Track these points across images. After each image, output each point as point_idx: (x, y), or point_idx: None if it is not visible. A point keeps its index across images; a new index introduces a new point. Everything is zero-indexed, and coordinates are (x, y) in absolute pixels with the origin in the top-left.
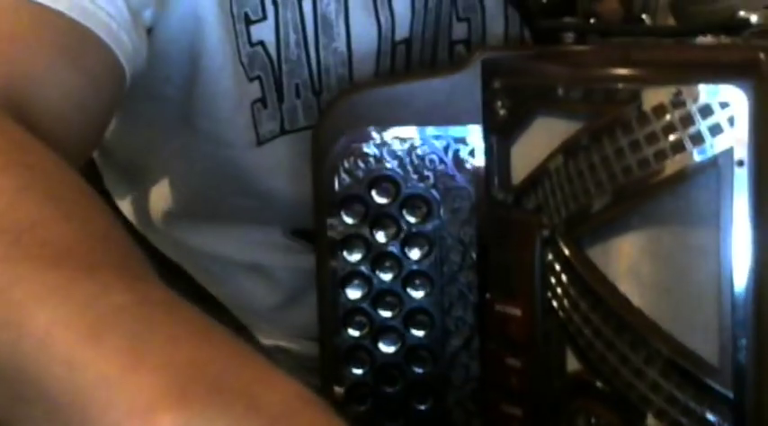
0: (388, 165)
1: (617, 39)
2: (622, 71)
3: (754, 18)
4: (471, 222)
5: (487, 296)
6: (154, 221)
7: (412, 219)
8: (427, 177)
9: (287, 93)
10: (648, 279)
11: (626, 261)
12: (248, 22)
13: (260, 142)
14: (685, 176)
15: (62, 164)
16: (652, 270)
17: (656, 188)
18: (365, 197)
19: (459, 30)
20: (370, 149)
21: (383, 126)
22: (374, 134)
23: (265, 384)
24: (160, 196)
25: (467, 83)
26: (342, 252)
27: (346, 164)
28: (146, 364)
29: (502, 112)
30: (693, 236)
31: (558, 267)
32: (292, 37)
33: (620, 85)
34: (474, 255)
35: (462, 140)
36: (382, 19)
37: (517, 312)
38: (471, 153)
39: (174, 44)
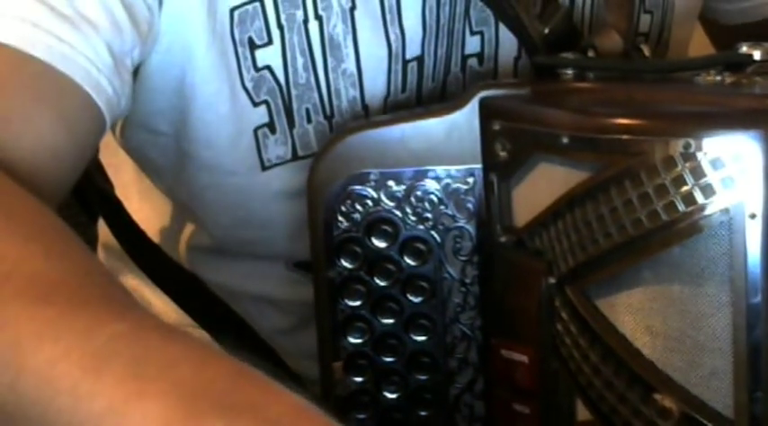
0: (387, 207)
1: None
2: (629, 121)
3: (757, 54)
4: (473, 262)
5: (493, 341)
6: (162, 242)
7: (412, 262)
8: (426, 218)
9: (297, 117)
10: (660, 331)
11: (636, 312)
12: (253, 46)
13: (264, 168)
14: (697, 229)
15: (40, 205)
16: (663, 322)
17: (666, 240)
18: (363, 241)
19: (473, 43)
20: (367, 192)
21: (380, 168)
22: (371, 176)
23: (268, 396)
24: (167, 219)
25: (464, 122)
26: (341, 297)
27: (343, 208)
28: (150, 389)
29: (502, 154)
30: (705, 288)
31: (565, 316)
32: (300, 60)
33: (628, 136)
34: (476, 296)
35: (462, 180)
36: (392, 37)
37: (524, 358)
38: (471, 192)
39: (163, 75)
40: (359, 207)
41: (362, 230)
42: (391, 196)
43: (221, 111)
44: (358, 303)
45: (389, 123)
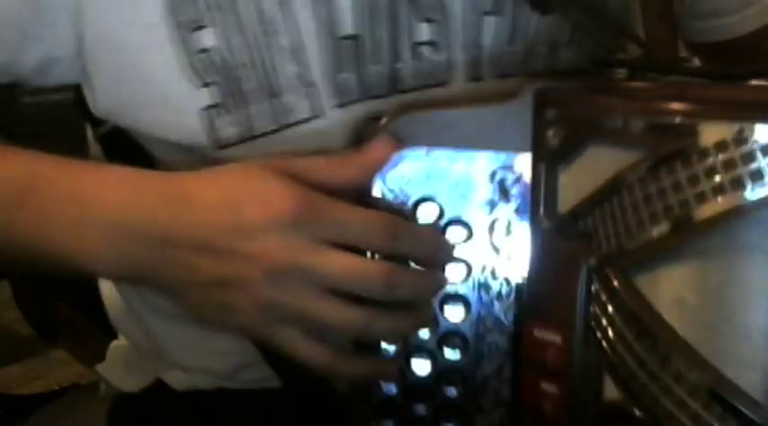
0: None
1: (669, 78)
2: (684, 106)
3: None
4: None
5: (526, 322)
6: None
7: (451, 242)
8: (470, 202)
9: (245, 98)
10: (696, 312)
11: (674, 292)
12: (193, 29)
13: (221, 146)
14: (741, 212)
15: None
16: (700, 304)
17: (710, 222)
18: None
19: (423, 31)
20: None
21: (431, 147)
22: (419, 155)
23: None
24: None
25: (517, 112)
26: None
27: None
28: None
29: (554, 142)
30: (744, 273)
31: (603, 296)
32: (237, 39)
33: (682, 119)
34: (512, 281)
35: (509, 168)
36: (323, 13)
37: (557, 339)
38: (517, 180)
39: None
40: (405, 184)
41: (409, 209)
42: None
43: (173, 91)
44: None
45: (444, 107)
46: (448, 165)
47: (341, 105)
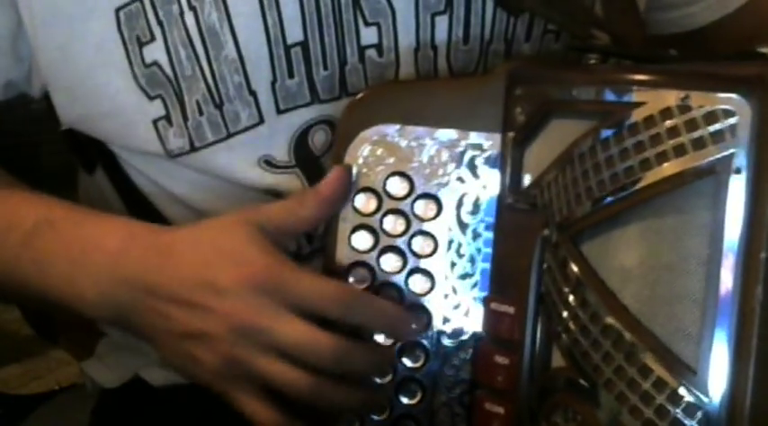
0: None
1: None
2: (633, 76)
3: None
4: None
5: (485, 298)
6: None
7: (421, 216)
8: (440, 179)
9: (189, 110)
10: (638, 278)
11: (618, 259)
12: (140, 44)
13: (171, 156)
14: (683, 179)
15: None
16: (643, 271)
17: (654, 188)
18: (379, 190)
19: (369, 34)
20: (389, 143)
21: (403, 123)
22: (394, 130)
23: None
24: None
25: (490, 92)
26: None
27: (365, 156)
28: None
29: (520, 118)
30: (685, 240)
31: (553, 264)
32: (182, 52)
33: (631, 87)
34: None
35: (479, 146)
36: (270, 22)
37: (510, 309)
38: (487, 159)
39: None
40: (378, 158)
41: (380, 182)
42: (409, 152)
43: (122, 107)
44: (368, 245)
45: (421, 82)
46: (420, 142)
47: (284, 111)
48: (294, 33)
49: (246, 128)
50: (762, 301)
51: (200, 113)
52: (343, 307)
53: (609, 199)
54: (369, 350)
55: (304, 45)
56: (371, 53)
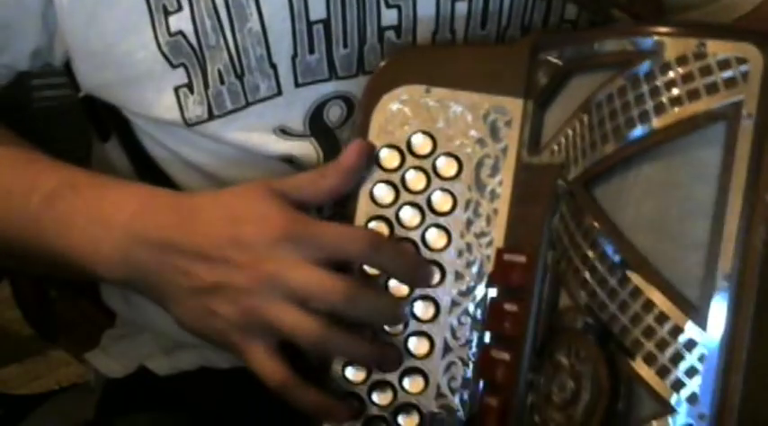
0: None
1: None
2: (651, 27)
3: None
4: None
5: (498, 249)
6: None
7: (442, 174)
8: (461, 141)
9: (211, 79)
10: (648, 222)
11: (629, 203)
12: (166, 12)
13: (189, 125)
14: (696, 123)
15: None
16: (652, 215)
17: (667, 132)
18: (402, 147)
19: (389, 16)
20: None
21: (430, 84)
22: (420, 92)
23: None
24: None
25: (515, 58)
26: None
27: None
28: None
29: (543, 81)
30: (695, 185)
31: (566, 211)
32: (208, 23)
33: (649, 37)
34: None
35: (501, 109)
36: None
37: (522, 259)
38: (508, 123)
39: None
40: (405, 116)
41: (404, 139)
42: (434, 112)
43: (147, 74)
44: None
45: (448, 47)
46: (445, 103)
47: (302, 85)
48: (317, 10)
49: (264, 99)
50: (764, 239)
51: (222, 82)
52: (369, 249)
53: (622, 144)
54: (381, 294)
55: (326, 22)
56: (390, 34)
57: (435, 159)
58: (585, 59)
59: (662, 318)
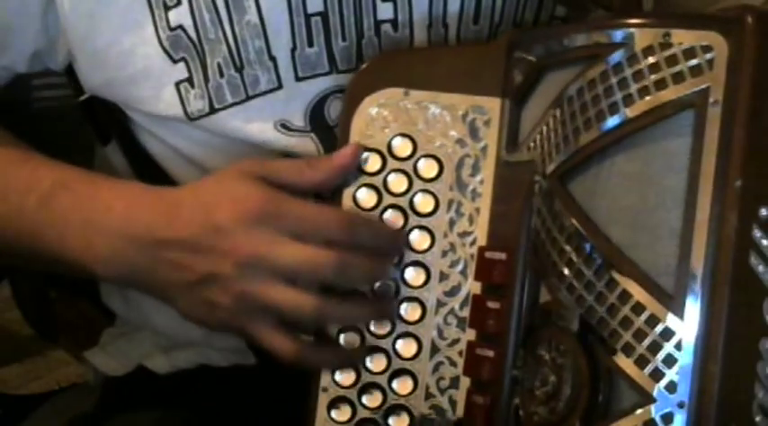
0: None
1: None
2: (620, 19)
3: None
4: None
5: (479, 248)
6: None
7: (423, 176)
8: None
9: (211, 72)
10: (621, 213)
11: (603, 195)
12: (166, 7)
13: (191, 119)
14: (664, 112)
15: None
16: (625, 205)
17: (636, 122)
18: (383, 151)
19: (385, 10)
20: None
21: (409, 87)
22: (399, 95)
23: None
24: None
25: (492, 58)
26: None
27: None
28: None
29: (518, 79)
30: (666, 175)
31: (543, 206)
32: (207, 16)
33: (618, 29)
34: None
35: (480, 109)
36: None
37: (503, 256)
38: (486, 123)
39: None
40: (384, 120)
41: (385, 142)
42: (414, 115)
43: (149, 70)
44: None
45: (425, 49)
46: (424, 105)
47: (303, 78)
48: (315, 3)
49: (264, 92)
50: (737, 227)
51: (221, 75)
52: (347, 228)
53: (594, 136)
54: (368, 259)
55: (324, 15)
56: (387, 27)
57: (416, 161)
58: (558, 55)
59: (638, 309)
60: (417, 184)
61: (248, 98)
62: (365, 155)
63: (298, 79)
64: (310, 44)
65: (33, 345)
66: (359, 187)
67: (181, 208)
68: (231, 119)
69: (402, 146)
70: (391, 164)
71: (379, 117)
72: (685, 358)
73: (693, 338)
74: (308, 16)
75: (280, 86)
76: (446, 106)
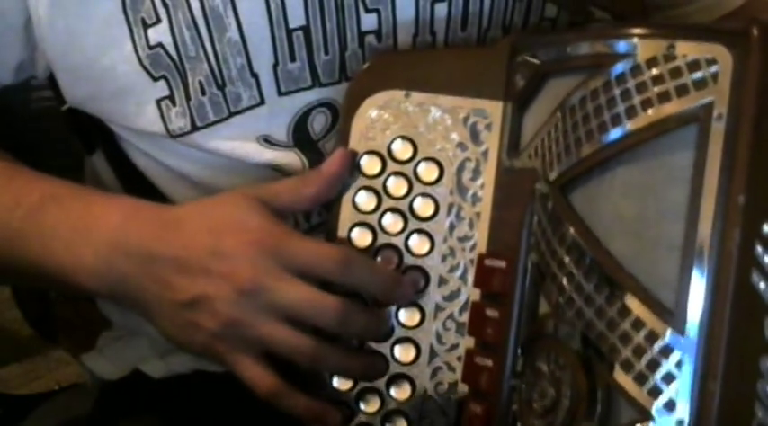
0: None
1: None
2: (624, 29)
3: None
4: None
5: (479, 255)
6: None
7: (423, 179)
8: (444, 143)
9: (192, 90)
10: (622, 225)
11: (604, 207)
12: (145, 25)
13: (172, 136)
14: (667, 125)
15: None
16: (626, 218)
17: (638, 135)
18: (383, 153)
19: (369, 20)
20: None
21: (409, 89)
22: (399, 97)
23: None
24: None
25: (494, 61)
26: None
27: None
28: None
29: (520, 83)
30: (668, 189)
31: (543, 215)
32: (187, 34)
33: (621, 39)
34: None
35: (481, 112)
36: (272, 6)
37: (502, 264)
38: (488, 127)
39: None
40: (385, 122)
41: (385, 145)
42: (414, 117)
43: (124, 82)
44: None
45: (427, 51)
46: (425, 107)
47: (285, 93)
48: (296, 17)
49: (247, 109)
50: (739, 244)
51: (203, 93)
52: (343, 268)
53: (596, 147)
54: (370, 313)
55: (306, 29)
56: (371, 39)
57: (416, 164)
58: (560, 63)
59: (638, 324)
60: (417, 188)
61: (230, 115)
62: (365, 158)
63: (280, 94)
64: (292, 59)
65: (33, 345)
66: (358, 190)
67: (182, 227)
68: (213, 137)
69: (402, 149)
70: (391, 166)
71: (380, 119)
72: (685, 375)
73: (693, 355)
74: (289, 31)
75: (262, 102)
76: (447, 109)
